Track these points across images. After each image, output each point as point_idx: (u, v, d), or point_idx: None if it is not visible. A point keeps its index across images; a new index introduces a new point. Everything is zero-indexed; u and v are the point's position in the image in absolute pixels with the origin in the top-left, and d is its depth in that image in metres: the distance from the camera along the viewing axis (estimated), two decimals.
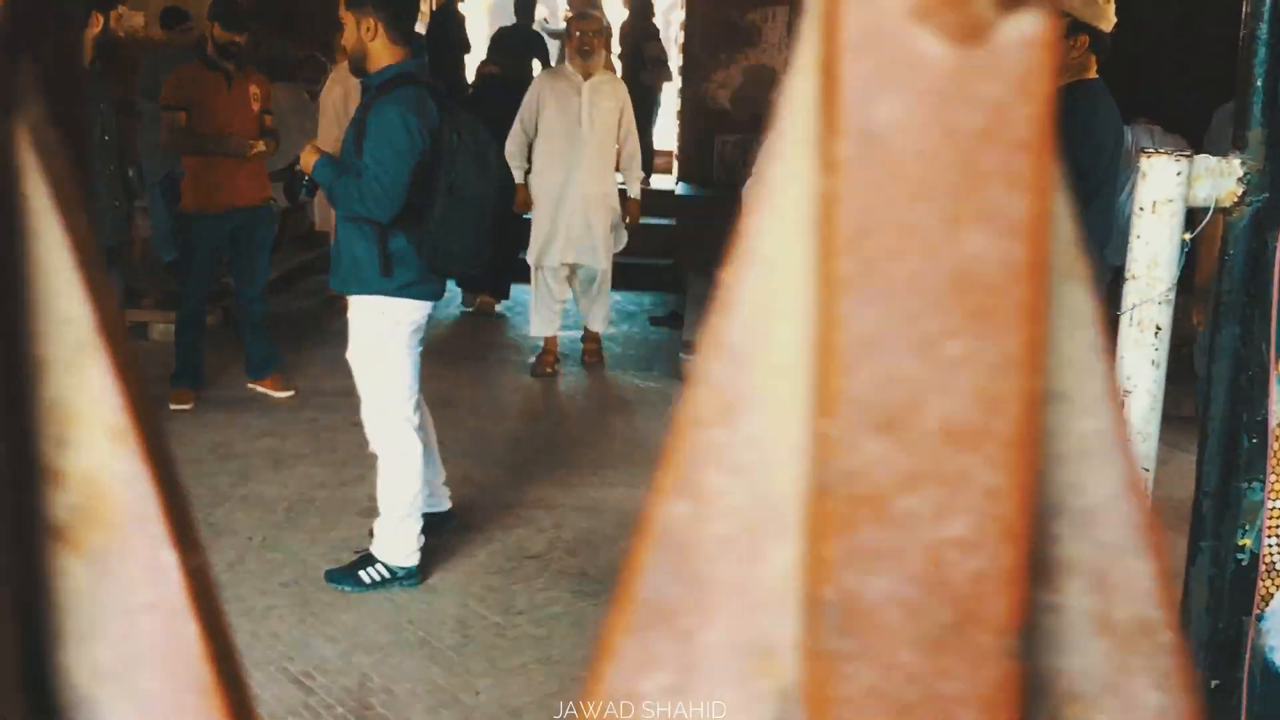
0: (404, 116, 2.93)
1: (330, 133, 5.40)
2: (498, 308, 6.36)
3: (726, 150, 6.78)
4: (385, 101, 2.97)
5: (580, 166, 4.88)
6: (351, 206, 3.03)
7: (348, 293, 3.17)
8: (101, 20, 3.71)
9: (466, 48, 8.32)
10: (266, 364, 4.82)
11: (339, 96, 5.58)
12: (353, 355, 3.21)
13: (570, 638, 3.18)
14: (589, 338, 5.41)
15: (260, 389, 4.82)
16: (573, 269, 5.16)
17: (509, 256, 5.16)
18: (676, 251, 6.51)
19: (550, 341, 5.30)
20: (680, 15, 7.33)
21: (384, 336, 3.13)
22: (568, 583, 3.49)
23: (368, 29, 2.98)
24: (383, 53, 2.99)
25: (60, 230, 0.21)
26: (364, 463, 4.30)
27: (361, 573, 3.28)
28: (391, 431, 3.20)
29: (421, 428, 3.30)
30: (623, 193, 5.12)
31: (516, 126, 4.92)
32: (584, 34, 4.87)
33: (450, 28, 7.76)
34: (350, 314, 3.19)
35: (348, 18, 3.05)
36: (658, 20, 7.67)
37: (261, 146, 4.58)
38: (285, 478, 4.11)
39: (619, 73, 6.86)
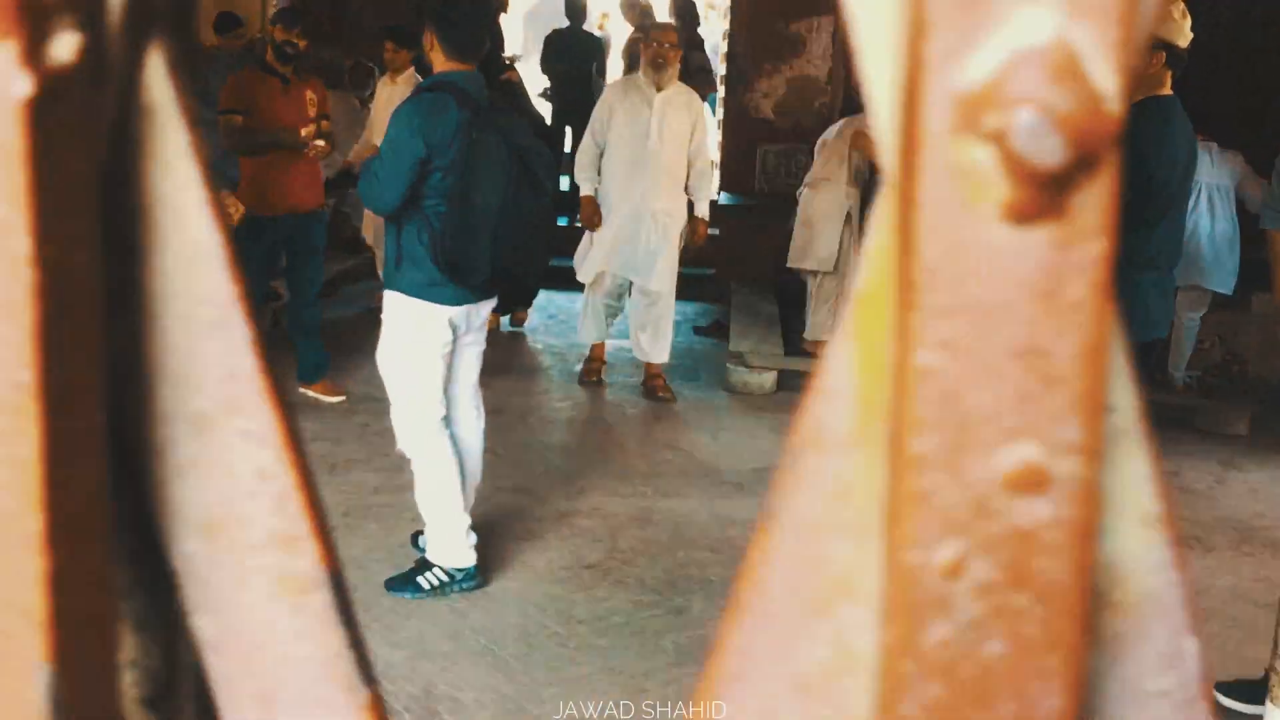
0: (410, 116, 2.97)
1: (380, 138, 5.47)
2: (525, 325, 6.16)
3: (769, 160, 6.77)
4: (404, 102, 3.09)
5: (645, 181, 4.73)
6: (362, 197, 3.19)
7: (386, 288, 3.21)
8: None
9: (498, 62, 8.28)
10: (318, 369, 4.84)
11: (385, 103, 5.66)
12: (380, 354, 3.22)
13: (633, 648, 3.17)
14: (654, 371, 5.12)
15: (311, 393, 4.83)
16: (629, 286, 5.00)
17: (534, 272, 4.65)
18: (719, 261, 6.50)
19: (598, 349, 5.18)
20: (724, 25, 7.33)
21: (408, 336, 3.12)
22: (627, 592, 3.48)
23: (429, 43, 3.09)
24: (438, 63, 3.07)
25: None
26: None
27: (420, 579, 3.29)
28: (418, 434, 3.19)
29: (453, 432, 3.26)
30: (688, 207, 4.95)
31: (587, 138, 4.84)
32: (660, 45, 4.71)
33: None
34: (383, 312, 3.20)
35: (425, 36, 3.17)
36: (700, 29, 7.69)
37: (321, 143, 4.59)
38: (340, 483, 4.12)
39: None
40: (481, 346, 3.34)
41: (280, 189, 4.57)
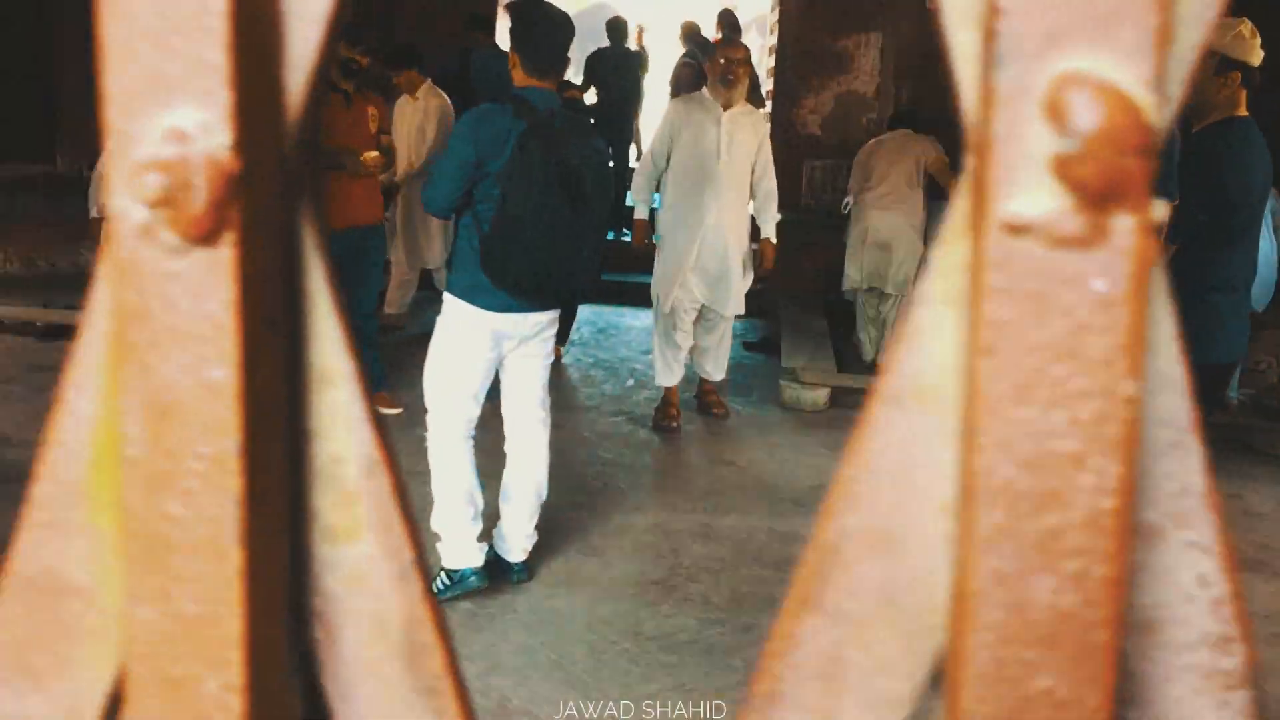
0: (465, 122, 3.07)
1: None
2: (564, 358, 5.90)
3: (815, 176, 6.79)
4: (467, 110, 3.17)
5: (716, 202, 4.57)
6: (423, 200, 3.20)
7: None
8: None
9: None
10: (377, 381, 4.88)
11: (407, 119, 5.83)
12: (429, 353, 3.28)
13: (702, 665, 3.17)
14: (709, 388, 5.05)
15: None
16: (700, 311, 4.80)
17: (575, 287, 3.63)
18: (766, 276, 6.50)
19: (672, 392, 4.91)
20: (770, 41, 7.36)
21: (449, 336, 3.17)
22: (693, 609, 3.48)
23: (511, 60, 3.16)
24: (517, 79, 3.15)
25: None
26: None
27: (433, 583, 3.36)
28: (435, 432, 3.26)
29: (513, 446, 3.34)
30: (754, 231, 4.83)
31: (646, 157, 4.70)
32: (729, 62, 4.55)
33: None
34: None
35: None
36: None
37: (374, 154, 4.63)
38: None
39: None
40: (544, 359, 3.33)
41: (340, 204, 4.61)
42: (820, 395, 5.20)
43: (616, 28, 7.67)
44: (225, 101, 0.39)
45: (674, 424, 4.90)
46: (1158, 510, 0.25)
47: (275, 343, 0.44)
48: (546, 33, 3.10)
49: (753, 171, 4.70)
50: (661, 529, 4.01)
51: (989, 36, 0.25)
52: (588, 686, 3.04)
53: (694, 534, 3.99)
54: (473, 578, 3.31)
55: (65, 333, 5.44)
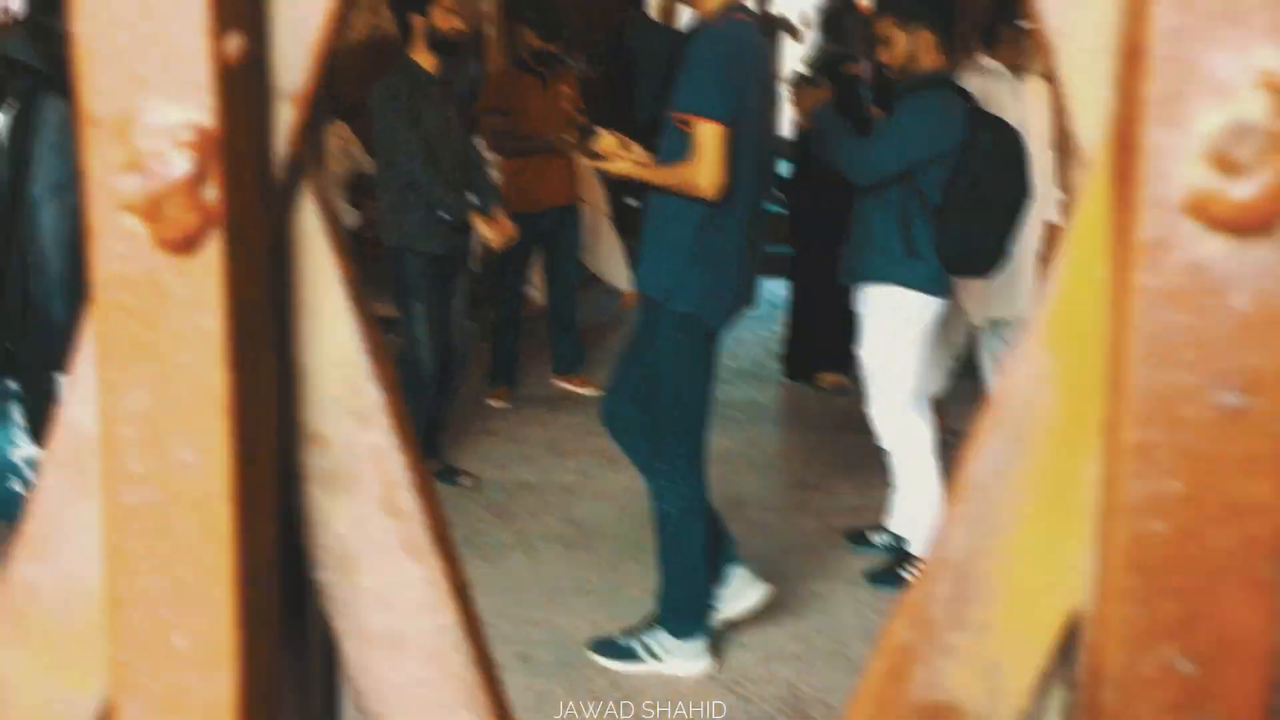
0: (933, 116, 3.08)
1: None
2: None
3: None
4: (919, 98, 3.12)
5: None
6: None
7: (856, 280, 3.20)
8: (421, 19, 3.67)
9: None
10: (576, 362, 4.82)
11: None
12: (866, 349, 3.24)
13: None
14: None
15: (568, 386, 4.82)
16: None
17: None
18: None
19: None
20: None
21: (896, 331, 3.15)
22: None
23: (925, 41, 3.12)
24: (929, 60, 3.14)
25: None
26: None
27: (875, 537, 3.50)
28: (900, 424, 3.23)
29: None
30: None
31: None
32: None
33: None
34: (864, 306, 3.21)
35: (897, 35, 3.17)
36: None
37: (570, 136, 4.52)
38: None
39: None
40: None
41: (541, 185, 4.55)
42: None
43: None
44: (209, 99, 0.40)
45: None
46: None
47: (265, 346, 0.46)
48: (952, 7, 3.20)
49: None
50: None
51: None
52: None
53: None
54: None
55: None
